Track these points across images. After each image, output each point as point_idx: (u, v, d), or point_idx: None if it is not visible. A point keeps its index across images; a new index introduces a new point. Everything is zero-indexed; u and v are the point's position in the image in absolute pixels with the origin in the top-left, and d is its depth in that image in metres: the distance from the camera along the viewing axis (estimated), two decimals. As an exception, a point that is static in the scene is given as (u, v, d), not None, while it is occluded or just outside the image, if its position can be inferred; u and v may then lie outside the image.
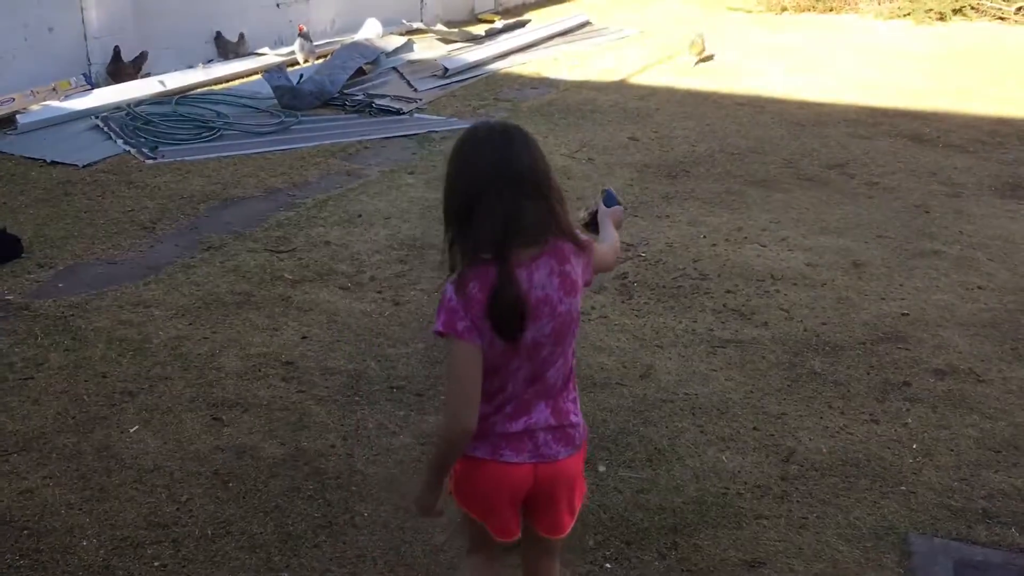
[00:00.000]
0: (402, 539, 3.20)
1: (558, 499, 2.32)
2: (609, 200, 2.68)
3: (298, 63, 9.82)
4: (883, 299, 5.06)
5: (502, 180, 2.04)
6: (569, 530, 2.39)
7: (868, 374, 4.33)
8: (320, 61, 9.82)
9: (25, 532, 3.11)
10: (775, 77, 10.31)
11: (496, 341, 2.10)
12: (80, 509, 3.24)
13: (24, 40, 7.80)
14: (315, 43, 10.33)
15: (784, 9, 15.08)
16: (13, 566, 2.97)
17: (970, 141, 8.02)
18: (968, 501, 3.46)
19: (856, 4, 14.95)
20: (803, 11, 14.93)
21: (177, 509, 3.28)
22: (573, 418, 2.29)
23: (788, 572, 3.09)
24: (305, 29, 10.07)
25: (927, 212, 6.37)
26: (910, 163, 7.42)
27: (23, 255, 5.13)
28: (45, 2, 7.91)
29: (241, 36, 9.84)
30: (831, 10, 14.87)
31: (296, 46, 9.90)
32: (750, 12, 15.11)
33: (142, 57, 8.58)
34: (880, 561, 3.14)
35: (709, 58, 10.67)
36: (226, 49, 9.72)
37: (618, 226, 2.61)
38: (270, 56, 10.01)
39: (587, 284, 2.26)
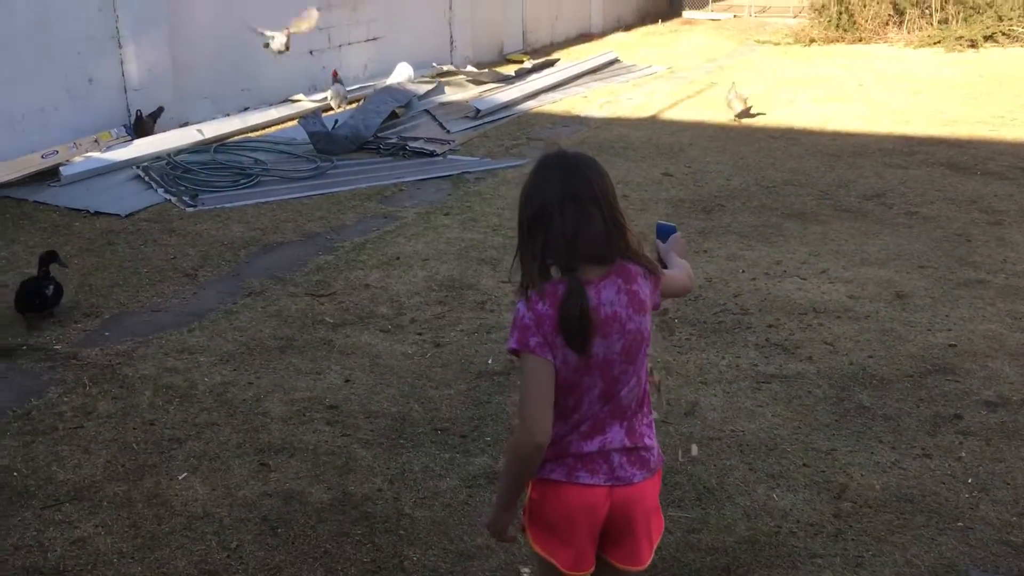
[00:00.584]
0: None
1: (636, 526, 2.29)
2: (662, 232, 2.66)
3: (332, 108, 9.97)
4: (929, 330, 4.99)
5: (569, 198, 2.14)
6: (648, 563, 2.34)
7: (918, 407, 4.26)
8: (353, 106, 9.97)
9: (79, 582, 3.13)
10: (807, 108, 10.31)
11: (569, 357, 2.15)
12: (132, 558, 3.25)
13: (66, 92, 8.00)
14: (347, 88, 10.49)
15: (812, 40, 15.13)
16: (68, 616, 2.98)
17: (1009, 168, 7.94)
18: (1029, 537, 3.38)
19: (885, 33, 14.97)
20: (831, 42, 14.97)
21: (227, 556, 3.29)
22: (648, 441, 2.29)
23: (847, 613, 3.02)
24: (339, 74, 10.24)
25: (969, 241, 6.30)
26: (949, 191, 7.36)
27: (63, 300, 5.20)
28: (86, 55, 8.12)
29: None
30: (860, 40, 14.90)
31: (330, 92, 10.05)
32: (778, 44, 15.17)
33: (158, 111, 8.55)
34: (942, 600, 3.07)
35: (752, 113, 9.94)
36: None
37: (683, 253, 2.60)
38: (304, 102, 10.18)
39: (655, 307, 2.29)
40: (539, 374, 2.14)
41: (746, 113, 9.84)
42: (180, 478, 3.72)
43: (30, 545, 3.29)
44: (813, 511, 3.54)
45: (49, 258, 5.19)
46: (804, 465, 3.83)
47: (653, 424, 2.34)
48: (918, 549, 3.32)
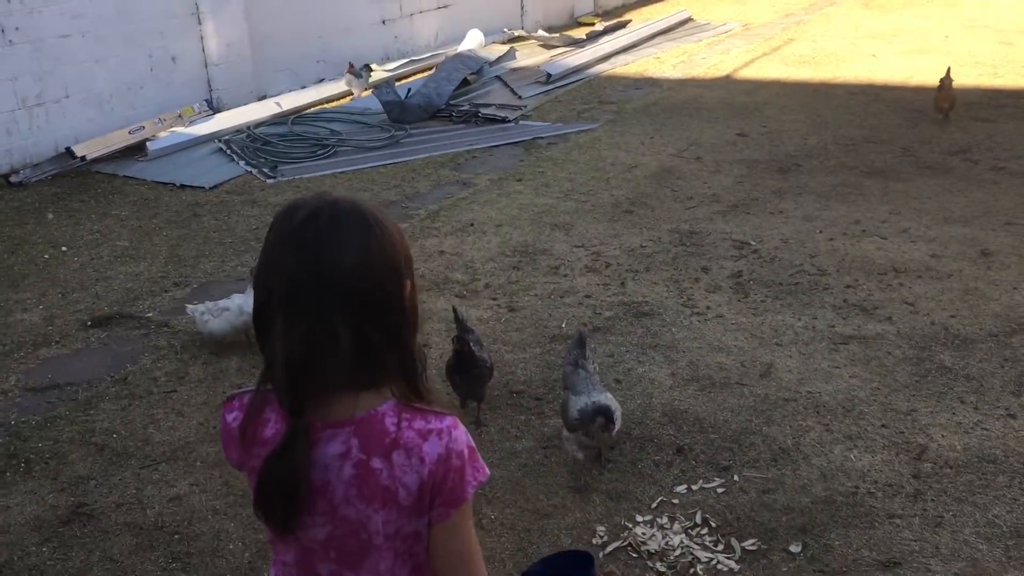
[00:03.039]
0: (529, 540, 3.26)
1: None
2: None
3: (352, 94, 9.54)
4: (1015, 288, 4.86)
5: (298, 301, 1.35)
6: None
7: (1002, 367, 4.17)
8: (425, 74, 10.00)
9: (176, 537, 3.31)
10: (888, 62, 10.00)
11: None
12: (225, 514, 3.42)
13: (150, 71, 8.24)
14: (420, 57, 10.55)
15: (895, -9, 14.58)
16: (167, 569, 3.16)
17: (1104, 118, 7.61)
18: (1118, 498, 3.30)
19: (972, -19, 14.34)
20: (915, -8, 14.41)
21: (314, 513, 3.42)
22: None
23: (925, 572, 3.01)
24: (355, 67, 9.57)
25: (1059, 195, 6.08)
26: (1039, 145, 7.09)
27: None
28: (168, 34, 8.34)
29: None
30: (945, -11, 14.31)
31: (345, 80, 9.53)
32: (858, -3, 14.67)
33: None
34: (1023, 559, 3.03)
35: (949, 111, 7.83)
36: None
37: None
38: (378, 72, 10.27)
39: (431, 520, 1.45)
40: None
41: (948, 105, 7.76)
42: (268, 439, 3.87)
43: (131, 502, 3.49)
44: (892, 472, 3.52)
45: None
46: (883, 426, 3.80)
47: None
48: (1000, 509, 3.28)
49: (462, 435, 1.47)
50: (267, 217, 6.37)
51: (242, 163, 7.49)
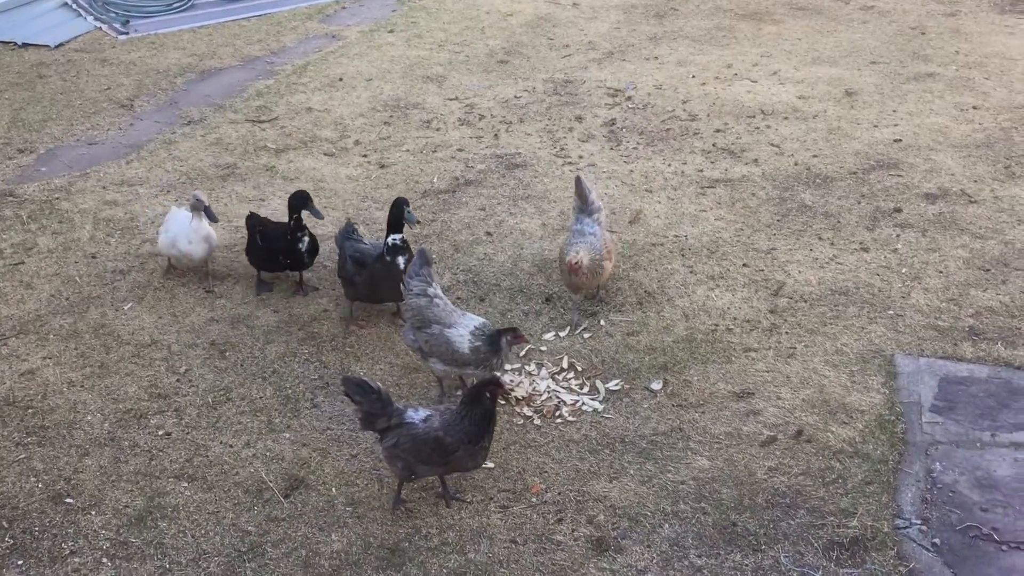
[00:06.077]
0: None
1: None
2: None
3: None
4: (875, 127, 4.97)
5: None
6: None
7: (859, 203, 4.30)
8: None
9: (30, 411, 3.19)
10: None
11: None
12: (82, 386, 3.31)
13: (-22, -83, 7.45)
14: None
15: None
16: (21, 444, 3.05)
17: (971, -44, 7.69)
18: (955, 320, 3.49)
19: None
20: None
21: (177, 380, 3.35)
22: None
23: (775, 400, 3.15)
24: None
25: (923, 34, 6.18)
26: (907, -16, 7.15)
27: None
28: None
29: None
30: None
31: None
32: None
33: None
34: (866, 383, 3.20)
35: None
36: None
37: None
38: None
39: None
40: None
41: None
42: (126, 308, 3.73)
43: (-21, 379, 3.34)
44: (750, 308, 3.63)
45: (301, 203, 3.81)
46: (744, 265, 3.89)
47: None
48: (848, 338, 3.43)
49: None
50: (120, 76, 5.99)
51: (90, 18, 6.95)
